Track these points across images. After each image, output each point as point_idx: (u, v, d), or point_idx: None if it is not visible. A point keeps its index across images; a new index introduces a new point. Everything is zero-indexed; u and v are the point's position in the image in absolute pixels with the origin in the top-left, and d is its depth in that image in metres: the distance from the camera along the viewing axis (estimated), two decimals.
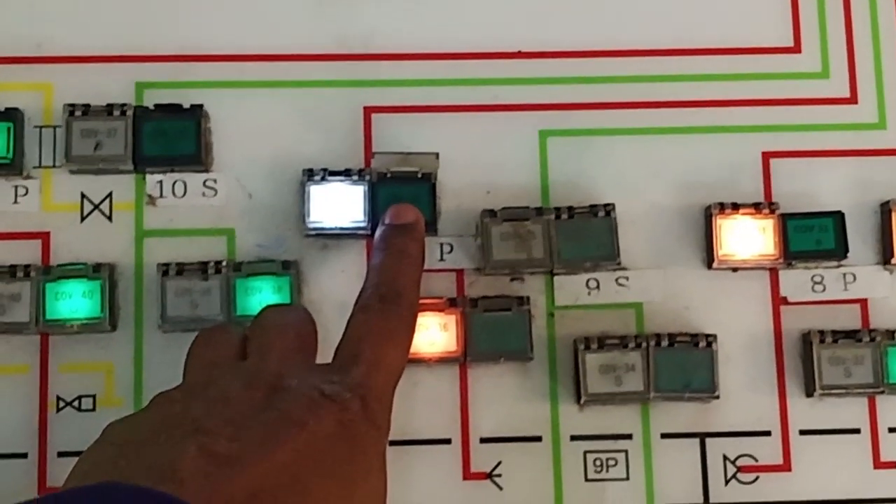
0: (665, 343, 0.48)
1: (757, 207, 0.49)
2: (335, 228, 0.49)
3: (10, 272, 0.47)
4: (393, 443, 0.42)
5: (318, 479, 0.36)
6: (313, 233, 0.49)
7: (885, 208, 0.50)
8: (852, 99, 0.52)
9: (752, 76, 0.52)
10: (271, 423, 0.37)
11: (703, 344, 0.48)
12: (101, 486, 0.33)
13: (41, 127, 0.50)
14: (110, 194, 0.50)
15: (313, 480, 0.36)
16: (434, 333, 0.48)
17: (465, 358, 0.48)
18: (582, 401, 0.48)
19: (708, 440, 0.49)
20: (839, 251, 0.49)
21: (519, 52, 0.51)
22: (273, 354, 0.42)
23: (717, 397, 0.48)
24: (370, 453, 0.39)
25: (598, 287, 0.50)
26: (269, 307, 0.45)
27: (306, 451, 0.37)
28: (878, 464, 0.49)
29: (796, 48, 0.52)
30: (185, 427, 0.37)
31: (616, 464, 0.49)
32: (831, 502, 0.49)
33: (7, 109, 0.49)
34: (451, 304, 0.48)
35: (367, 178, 0.49)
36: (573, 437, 0.49)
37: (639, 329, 0.50)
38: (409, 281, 0.45)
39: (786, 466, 0.49)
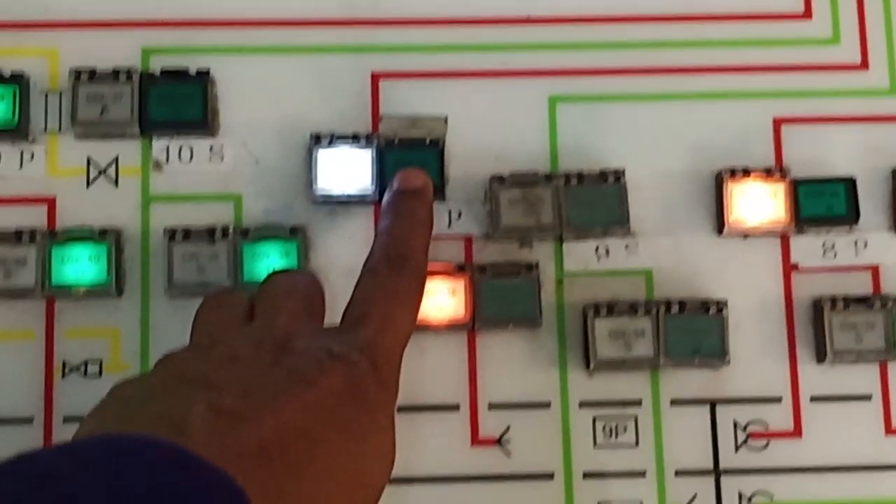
0: (675, 309, 0.48)
1: (768, 173, 0.49)
2: (342, 194, 0.49)
3: (16, 236, 0.47)
4: (401, 409, 0.41)
5: (326, 435, 0.36)
6: (321, 199, 0.49)
7: None
8: (863, 65, 0.51)
9: (763, 42, 0.51)
10: (280, 381, 0.37)
11: (713, 310, 0.48)
12: (109, 437, 0.33)
13: (47, 92, 0.50)
14: (116, 159, 0.49)
15: (322, 437, 0.36)
16: (442, 299, 0.48)
17: (473, 324, 0.48)
18: (591, 367, 0.48)
19: (718, 406, 0.49)
20: (851, 217, 0.49)
21: (528, 17, 0.51)
22: (281, 316, 0.41)
23: (728, 363, 0.48)
24: (379, 413, 0.39)
25: (607, 253, 0.49)
26: (276, 271, 0.45)
27: (315, 407, 0.36)
28: (890, 430, 0.49)
29: (807, 14, 0.52)
30: (193, 384, 0.36)
31: (625, 430, 0.48)
32: (842, 468, 0.48)
33: (13, 74, 0.49)
34: (459, 270, 0.48)
35: (375, 143, 0.48)
36: (582, 404, 0.48)
37: (648, 295, 0.49)
38: (418, 244, 0.44)
39: (796, 433, 0.49)
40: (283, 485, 0.34)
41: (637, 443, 0.48)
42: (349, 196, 0.49)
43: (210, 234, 0.48)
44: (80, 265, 0.47)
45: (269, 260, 0.48)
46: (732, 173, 0.49)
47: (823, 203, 0.49)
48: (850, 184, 0.49)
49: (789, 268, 0.50)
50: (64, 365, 0.48)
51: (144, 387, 0.38)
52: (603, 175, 0.49)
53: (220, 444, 0.34)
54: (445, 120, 0.48)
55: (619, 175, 0.49)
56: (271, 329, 0.41)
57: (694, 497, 0.48)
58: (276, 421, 0.35)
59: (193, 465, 0.32)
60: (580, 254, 0.49)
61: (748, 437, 0.48)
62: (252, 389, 0.36)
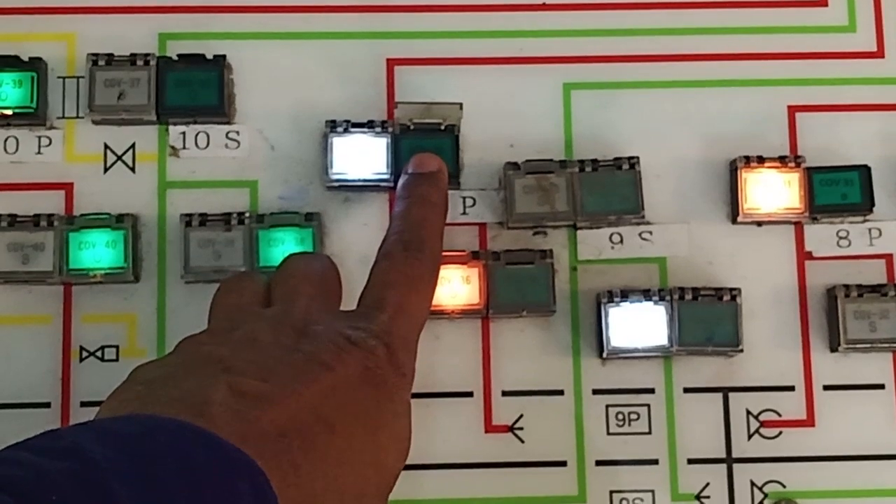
0: (689, 297, 0.48)
1: (782, 161, 0.49)
2: (357, 180, 0.49)
3: (34, 222, 0.47)
4: (415, 395, 0.41)
5: (344, 420, 0.36)
6: (336, 184, 0.49)
7: None
8: (879, 53, 0.51)
9: (779, 29, 0.51)
10: (299, 365, 0.37)
11: (727, 298, 0.48)
12: (133, 416, 0.33)
13: (64, 77, 0.50)
14: (133, 145, 0.50)
15: (339, 421, 0.36)
16: (457, 286, 0.48)
17: (487, 311, 0.48)
18: (604, 354, 0.48)
19: (731, 395, 0.49)
20: (865, 205, 0.49)
21: (543, 3, 0.51)
22: (299, 300, 0.42)
23: (741, 351, 0.48)
24: (395, 399, 0.39)
25: (621, 241, 0.50)
26: (293, 255, 0.45)
27: (333, 392, 0.37)
28: None
29: (822, 1, 0.52)
30: (213, 367, 0.37)
31: (638, 418, 0.49)
32: (855, 458, 0.48)
33: (31, 59, 0.49)
34: (473, 257, 0.48)
35: (390, 130, 0.49)
36: (595, 391, 0.49)
37: (662, 283, 0.49)
38: (433, 228, 0.45)
39: (809, 422, 0.49)
40: (301, 467, 0.34)
41: (650, 431, 0.48)
42: (364, 181, 0.49)
43: (226, 220, 0.48)
44: (97, 250, 0.47)
45: (284, 246, 0.48)
46: (747, 161, 0.49)
47: (838, 191, 0.49)
48: (864, 172, 0.49)
49: (803, 256, 0.50)
50: (81, 350, 0.48)
51: (165, 369, 0.38)
52: (617, 162, 0.49)
53: (240, 426, 0.34)
54: (460, 106, 0.49)
55: (633, 162, 0.49)
56: (289, 313, 0.41)
57: (706, 485, 0.48)
58: (294, 404, 0.35)
59: (215, 446, 0.32)
60: (594, 241, 0.50)
61: (761, 425, 0.49)
62: (271, 373, 0.37)
